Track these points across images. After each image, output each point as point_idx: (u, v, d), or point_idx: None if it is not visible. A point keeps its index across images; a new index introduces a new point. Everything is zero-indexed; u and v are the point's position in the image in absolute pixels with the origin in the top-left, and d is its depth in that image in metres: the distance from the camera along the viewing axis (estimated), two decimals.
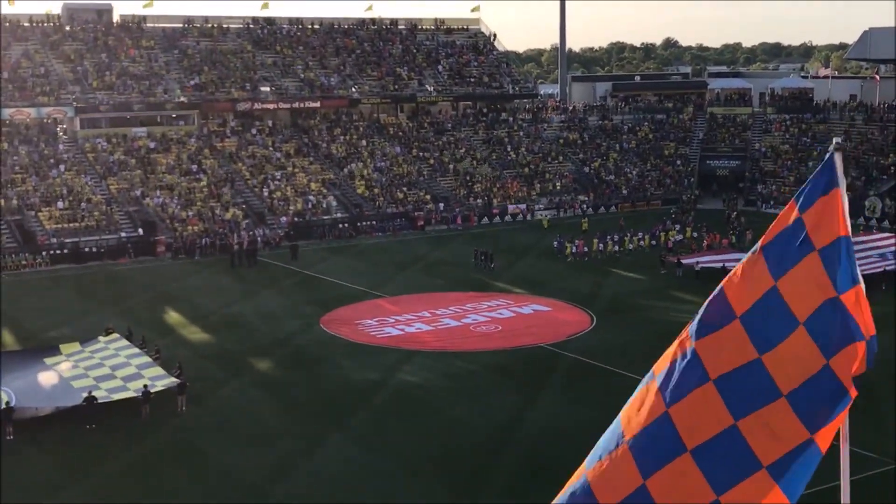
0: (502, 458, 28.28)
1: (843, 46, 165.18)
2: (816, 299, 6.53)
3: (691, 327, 6.79)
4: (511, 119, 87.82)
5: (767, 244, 6.74)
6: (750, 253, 6.80)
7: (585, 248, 57.76)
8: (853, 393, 6.39)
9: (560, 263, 56.37)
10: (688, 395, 6.62)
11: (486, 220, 71.98)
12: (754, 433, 6.48)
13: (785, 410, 6.46)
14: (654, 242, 60.21)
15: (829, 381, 6.42)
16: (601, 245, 58.24)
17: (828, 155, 6.72)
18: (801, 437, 6.46)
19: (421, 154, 79.07)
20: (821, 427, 6.47)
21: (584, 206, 75.46)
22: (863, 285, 6.65)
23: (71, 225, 60.41)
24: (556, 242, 59.21)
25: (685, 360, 6.71)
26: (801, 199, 6.71)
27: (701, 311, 6.79)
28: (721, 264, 50.53)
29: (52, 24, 77.73)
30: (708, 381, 6.59)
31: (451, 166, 78.14)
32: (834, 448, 6.68)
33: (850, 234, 6.70)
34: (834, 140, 6.84)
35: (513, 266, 56.15)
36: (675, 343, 6.89)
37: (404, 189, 72.94)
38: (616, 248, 58.60)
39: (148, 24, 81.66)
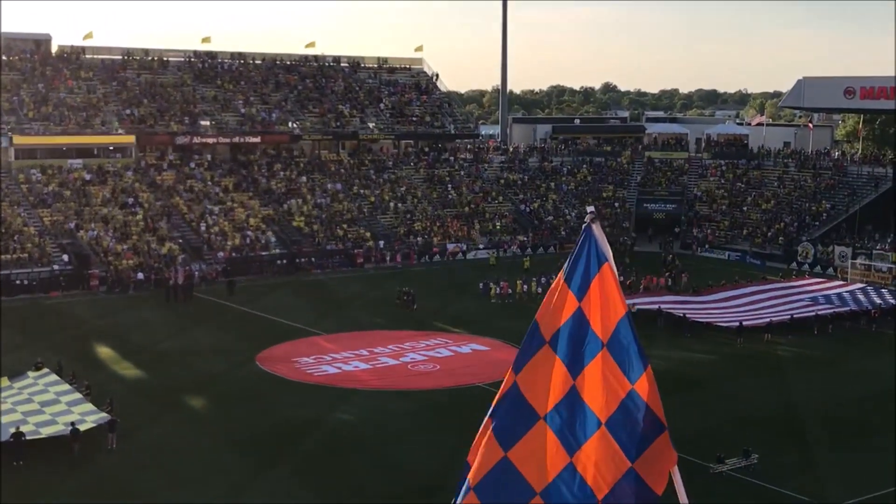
0: (438, 498, 28.06)
1: (777, 94, 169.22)
2: (614, 398, 6.49)
3: (499, 435, 6.69)
4: (452, 158, 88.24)
5: (553, 338, 6.60)
6: (538, 347, 6.63)
7: (509, 290, 57.85)
8: (659, 491, 6.44)
9: (498, 303, 56.40)
10: None
11: (425, 258, 71.99)
12: None
13: None
14: None
15: (635, 483, 6.44)
16: (525, 286, 58.30)
17: (584, 227, 6.50)
18: None
19: (361, 191, 78.98)
20: None
21: (525, 245, 75.76)
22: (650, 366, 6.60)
23: (2, 257, 59.14)
24: (481, 284, 59.22)
25: (503, 473, 6.64)
26: (573, 281, 6.54)
27: (503, 415, 6.71)
28: (657, 306, 51.25)
29: None
30: (535, 495, 6.57)
31: (391, 204, 78.16)
32: None
33: (627, 308, 6.58)
34: (588, 210, 6.59)
35: (451, 305, 56.10)
36: (483, 449, 6.78)
37: (344, 226, 72.73)
38: (539, 289, 58.49)
39: (87, 56, 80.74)
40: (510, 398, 6.64)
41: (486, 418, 6.79)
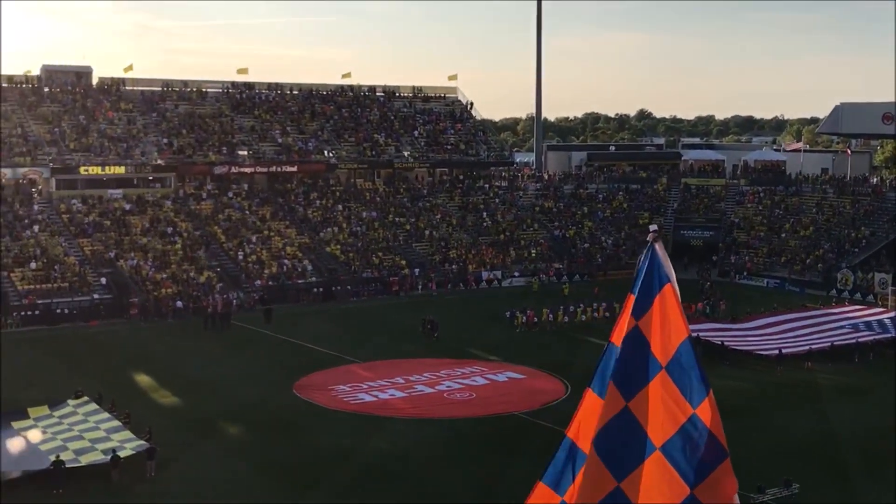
0: None
1: (814, 120, 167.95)
2: (672, 423, 6.26)
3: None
4: (487, 186, 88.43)
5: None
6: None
7: (535, 319, 57.48)
8: None
9: (523, 332, 56.09)
10: None
11: (461, 286, 72.00)
12: None
13: None
14: (607, 314, 57.84)
15: None
16: (551, 315, 57.90)
17: (648, 246, 6.32)
18: None
19: (397, 219, 79.30)
20: None
21: (561, 272, 75.45)
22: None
23: (43, 286, 59.91)
24: (507, 313, 58.92)
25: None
26: (635, 299, 6.31)
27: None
28: (695, 334, 50.75)
29: (30, 86, 77.94)
30: None
31: (426, 232, 78.36)
32: None
33: (689, 330, 6.35)
34: (650, 228, 6.41)
35: (479, 333, 55.83)
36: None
37: (380, 254, 72.99)
38: (566, 318, 57.95)
39: (127, 87, 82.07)
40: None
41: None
